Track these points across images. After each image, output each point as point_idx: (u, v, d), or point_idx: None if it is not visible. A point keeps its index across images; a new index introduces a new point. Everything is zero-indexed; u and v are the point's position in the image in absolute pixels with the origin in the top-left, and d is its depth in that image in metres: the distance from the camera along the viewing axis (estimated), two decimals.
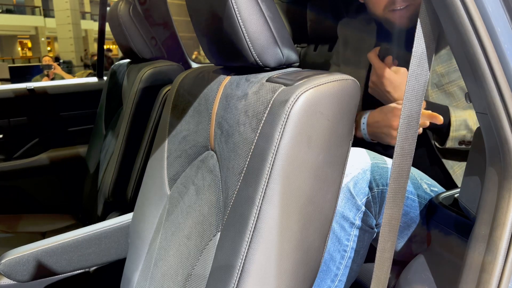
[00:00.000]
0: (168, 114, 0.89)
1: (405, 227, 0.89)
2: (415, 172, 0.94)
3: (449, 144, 1.00)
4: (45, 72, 4.32)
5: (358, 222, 0.83)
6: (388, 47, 1.12)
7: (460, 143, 1.00)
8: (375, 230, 0.87)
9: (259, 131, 0.62)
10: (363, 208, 0.83)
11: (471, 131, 0.98)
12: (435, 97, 1.06)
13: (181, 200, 0.81)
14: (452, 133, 0.99)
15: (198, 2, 0.73)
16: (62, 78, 4.10)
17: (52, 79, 4.16)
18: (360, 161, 0.85)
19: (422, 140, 1.05)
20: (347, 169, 0.83)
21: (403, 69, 1.02)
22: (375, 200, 0.83)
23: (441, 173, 1.07)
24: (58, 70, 4.31)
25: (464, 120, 0.99)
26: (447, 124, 0.99)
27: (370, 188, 0.83)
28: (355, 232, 0.84)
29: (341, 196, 0.82)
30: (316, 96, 0.59)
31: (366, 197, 0.83)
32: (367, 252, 0.89)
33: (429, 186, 0.93)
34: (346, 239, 0.84)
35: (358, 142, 1.13)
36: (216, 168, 0.74)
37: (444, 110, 1.00)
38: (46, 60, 4.94)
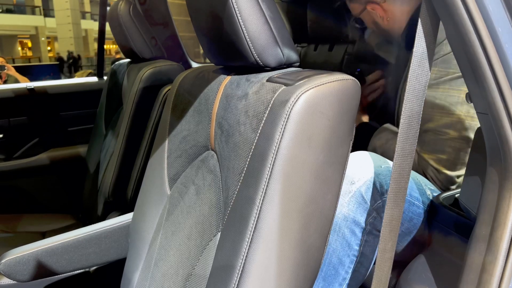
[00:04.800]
0: (168, 114, 0.89)
1: (407, 233, 0.88)
2: (420, 178, 0.93)
3: None
4: None
5: (368, 227, 0.82)
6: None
7: None
8: None
9: (259, 131, 0.62)
10: (374, 213, 0.82)
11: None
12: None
13: (181, 200, 0.81)
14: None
15: (198, 2, 0.73)
16: (17, 80, 3.94)
17: (5, 81, 4.02)
18: (372, 165, 0.84)
19: None
20: (359, 173, 0.83)
21: None
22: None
23: None
24: (12, 71, 4.13)
25: None
26: None
27: (382, 193, 0.82)
28: (366, 237, 0.83)
29: (352, 200, 0.81)
30: (317, 96, 0.58)
31: (377, 202, 0.82)
32: None
33: (432, 192, 0.92)
34: (356, 244, 0.83)
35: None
36: (216, 168, 0.74)
37: None
38: None
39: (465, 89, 0.90)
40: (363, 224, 0.82)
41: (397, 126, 1.13)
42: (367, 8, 1.13)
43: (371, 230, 0.83)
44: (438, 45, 0.96)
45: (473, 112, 0.91)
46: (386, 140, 1.07)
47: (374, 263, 0.88)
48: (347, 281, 0.84)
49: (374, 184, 0.82)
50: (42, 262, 0.98)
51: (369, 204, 0.81)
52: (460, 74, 0.91)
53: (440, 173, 0.94)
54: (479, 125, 0.92)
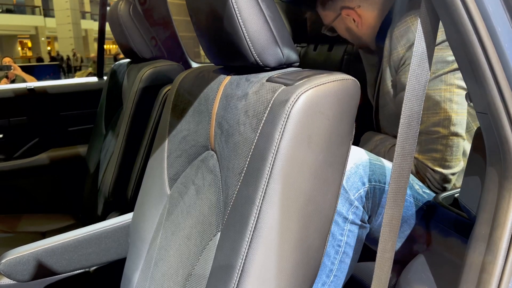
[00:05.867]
0: (168, 114, 0.89)
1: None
2: None
3: None
4: (4, 73, 4.15)
5: (351, 217, 0.84)
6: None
7: None
8: (368, 225, 0.87)
9: (259, 131, 0.62)
10: (356, 203, 0.83)
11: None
12: None
13: (181, 200, 0.81)
14: None
15: (198, 2, 0.73)
16: (24, 80, 3.93)
17: (13, 81, 4.01)
18: (353, 156, 0.85)
19: None
20: None
21: None
22: (368, 195, 0.84)
23: None
24: (18, 71, 4.13)
25: None
26: None
27: (363, 183, 0.83)
28: (349, 227, 0.84)
29: None
30: (316, 95, 0.59)
31: (358, 192, 0.83)
32: (368, 251, 0.89)
33: (421, 187, 0.94)
34: (340, 234, 0.84)
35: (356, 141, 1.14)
36: (216, 168, 0.74)
37: None
38: (6, 61, 4.70)
39: (444, 88, 0.93)
40: (345, 214, 0.83)
41: (377, 131, 1.16)
42: (341, 14, 1.12)
43: (354, 220, 0.84)
44: (408, 50, 0.97)
45: (456, 107, 0.94)
46: (375, 146, 1.09)
47: (368, 258, 0.89)
48: (334, 272, 0.85)
49: (355, 174, 0.83)
50: (42, 262, 0.98)
51: (350, 194, 0.82)
52: (434, 74, 0.93)
53: (435, 172, 0.96)
54: (465, 120, 0.95)
